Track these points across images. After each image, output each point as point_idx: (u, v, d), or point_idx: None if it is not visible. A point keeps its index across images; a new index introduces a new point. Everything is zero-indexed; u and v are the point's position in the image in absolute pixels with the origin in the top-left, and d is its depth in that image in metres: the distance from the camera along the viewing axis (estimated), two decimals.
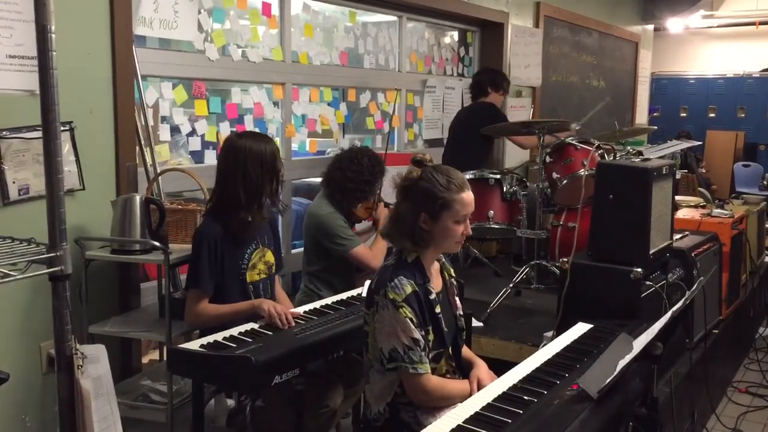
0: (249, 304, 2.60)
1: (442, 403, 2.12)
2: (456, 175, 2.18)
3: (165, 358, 2.81)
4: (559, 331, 2.63)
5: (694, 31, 10.48)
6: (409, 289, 2.08)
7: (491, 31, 5.87)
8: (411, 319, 2.05)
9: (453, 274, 2.38)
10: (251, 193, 2.60)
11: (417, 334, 2.05)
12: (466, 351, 2.40)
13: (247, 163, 2.59)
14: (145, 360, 3.37)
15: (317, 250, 3.31)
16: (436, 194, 2.13)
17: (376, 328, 2.11)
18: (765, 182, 9.16)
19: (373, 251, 3.27)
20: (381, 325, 2.08)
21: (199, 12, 3.45)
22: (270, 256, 2.79)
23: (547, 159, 4.01)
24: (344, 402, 2.76)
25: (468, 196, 2.17)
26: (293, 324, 2.50)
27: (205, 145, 3.62)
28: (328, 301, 2.82)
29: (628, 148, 4.35)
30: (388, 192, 3.26)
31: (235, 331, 2.43)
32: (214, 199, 2.66)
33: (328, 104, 4.45)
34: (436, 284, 2.24)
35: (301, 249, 3.53)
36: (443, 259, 2.36)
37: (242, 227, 2.60)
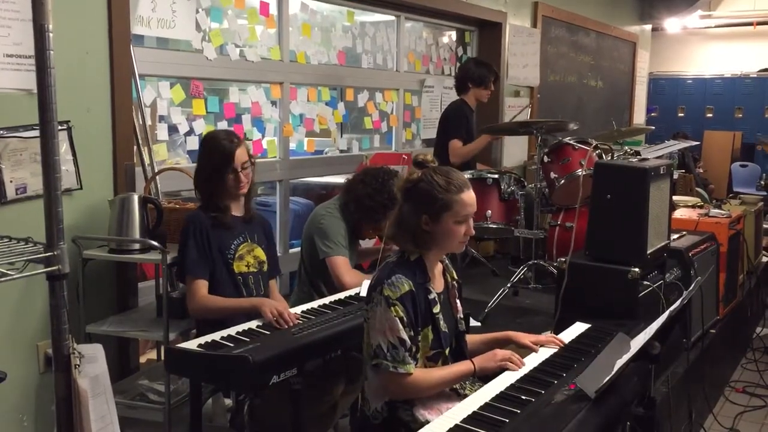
0: (249, 302, 2.61)
1: (421, 395, 2.12)
2: (456, 176, 2.18)
3: (162, 357, 2.80)
4: (557, 330, 2.63)
5: (692, 31, 10.49)
6: (405, 288, 2.08)
7: (489, 31, 5.88)
8: (401, 318, 2.05)
9: (456, 277, 2.38)
10: (206, 186, 2.71)
11: (404, 335, 2.05)
12: (485, 336, 2.47)
13: (203, 157, 2.73)
14: (142, 359, 3.36)
15: (314, 251, 3.30)
16: (435, 195, 2.13)
17: (369, 324, 2.12)
18: (762, 182, 9.14)
19: (351, 271, 3.11)
20: (373, 321, 2.09)
21: (197, 11, 3.45)
22: (260, 253, 2.79)
23: (545, 159, 4.01)
24: (345, 395, 2.75)
25: (468, 196, 2.17)
26: (291, 324, 2.50)
27: None
28: (326, 300, 2.81)
29: (626, 147, 4.37)
30: None
31: (232, 330, 2.42)
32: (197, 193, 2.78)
33: (326, 104, 4.45)
34: (437, 285, 2.24)
35: (299, 249, 3.52)
36: (446, 261, 2.36)
37: (219, 215, 2.68)
